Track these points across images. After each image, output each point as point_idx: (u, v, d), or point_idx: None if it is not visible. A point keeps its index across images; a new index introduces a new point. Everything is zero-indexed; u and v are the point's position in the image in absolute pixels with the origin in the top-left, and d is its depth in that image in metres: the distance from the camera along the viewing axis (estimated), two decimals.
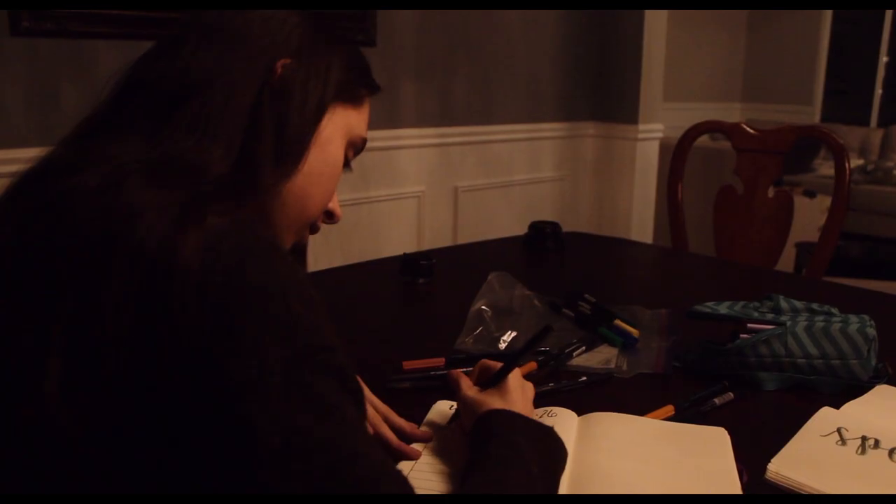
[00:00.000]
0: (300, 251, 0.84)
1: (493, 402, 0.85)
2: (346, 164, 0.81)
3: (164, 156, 0.61)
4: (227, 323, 0.53)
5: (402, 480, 0.58)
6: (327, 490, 0.52)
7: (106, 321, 0.53)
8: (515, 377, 0.91)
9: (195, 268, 0.53)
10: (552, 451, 0.80)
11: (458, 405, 0.90)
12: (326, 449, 0.53)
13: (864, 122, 6.24)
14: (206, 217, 0.57)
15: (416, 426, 0.94)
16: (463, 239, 3.15)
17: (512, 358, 0.92)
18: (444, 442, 0.92)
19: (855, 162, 4.83)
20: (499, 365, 0.92)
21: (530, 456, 0.74)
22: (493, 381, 0.90)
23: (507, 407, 0.83)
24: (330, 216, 0.82)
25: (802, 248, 3.66)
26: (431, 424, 0.96)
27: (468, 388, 0.90)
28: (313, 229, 0.81)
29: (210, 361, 0.52)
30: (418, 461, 0.88)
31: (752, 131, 2.11)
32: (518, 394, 0.88)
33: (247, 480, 0.52)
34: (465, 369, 0.99)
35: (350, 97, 0.78)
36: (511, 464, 0.71)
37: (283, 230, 0.75)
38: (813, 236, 3.34)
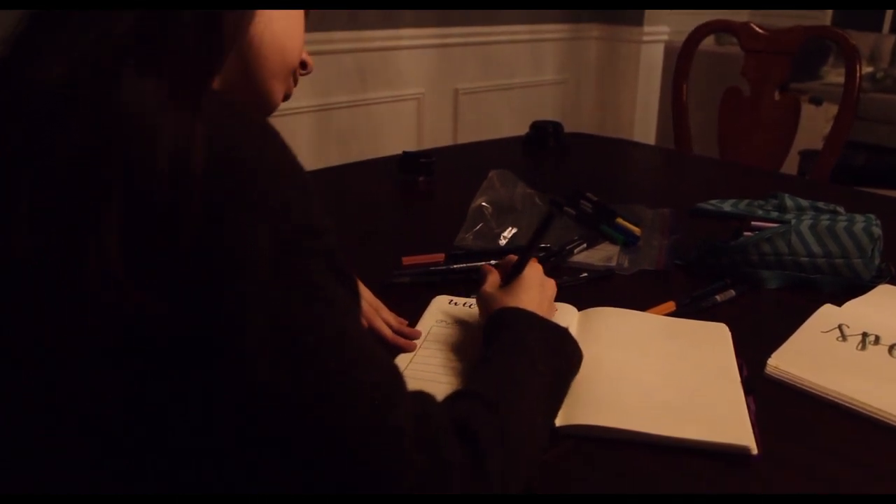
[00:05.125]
0: None
1: (508, 299, 0.83)
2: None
3: (132, 38, 0.56)
4: (215, 205, 0.50)
5: (390, 366, 0.56)
6: (311, 372, 0.51)
7: (108, 235, 0.50)
8: (535, 274, 0.89)
9: (196, 161, 0.51)
10: (564, 352, 0.78)
11: (476, 301, 0.89)
12: (313, 331, 0.51)
13: (877, 27, 6.07)
14: (200, 104, 0.54)
15: (406, 321, 0.94)
16: (463, 142, 3.10)
17: (524, 253, 0.90)
18: (443, 335, 0.91)
19: (864, 69, 4.74)
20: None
21: (539, 356, 0.72)
22: (508, 278, 0.88)
23: (521, 305, 0.81)
24: (304, 66, 0.78)
25: (806, 155, 3.61)
26: (430, 319, 0.95)
27: (490, 285, 0.88)
28: (294, 80, 0.77)
29: (199, 245, 0.50)
30: (417, 353, 0.87)
31: (761, 31, 2.05)
32: (535, 292, 0.85)
33: (234, 364, 0.50)
34: (494, 262, 0.97)
35: None
36: (518, 363, 0.70)
37: (271, 81, 0.71)
38: (817, 145, 3.29)
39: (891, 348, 0.89)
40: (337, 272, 0.55)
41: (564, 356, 0.77)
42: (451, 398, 0.63)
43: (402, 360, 0.86)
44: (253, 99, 0.71)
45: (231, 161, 0.52)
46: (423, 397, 0.57)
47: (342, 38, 2.65)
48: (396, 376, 0.56)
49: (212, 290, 0.50)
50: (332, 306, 0.53)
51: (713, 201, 1.19)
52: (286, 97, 0.76)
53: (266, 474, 0.53)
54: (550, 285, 0.90)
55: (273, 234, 0.52)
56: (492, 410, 0.60)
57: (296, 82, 0.77)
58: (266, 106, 0.73)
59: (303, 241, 0.53)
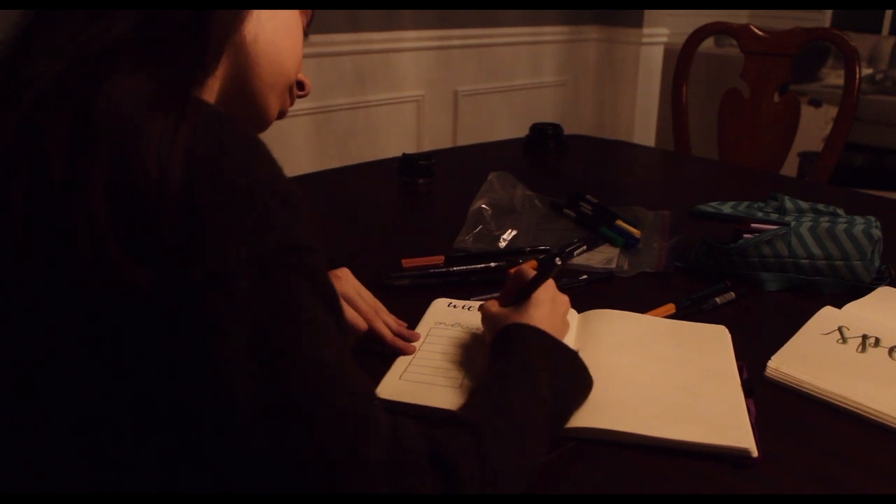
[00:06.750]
0: None
1: (517, 315, 0.80)
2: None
3: (127, 37, 0.57)
4: (196, 216, 0.50)
5: (364, 394, 0.54)
6: (281, 395, 0.50)
7: (89, 239, 0.50)
8: (546, 289, 0.84)
9: (175, 167, 0.51)
10: (571, 377, 0.75)
11: (482, 320, 0.86)
12: (287, 351, 0.51)
13: (876, 29, 6.07)
14: (186, 109, 0.53)
15: (405, 323, 0.93)
16: (462, 144, 3.10)
17: (529, 286, 0.84)
18: (443, 338, 0.91)
19: (863, 71, 4.73)
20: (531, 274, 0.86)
21: (544, 382, 0.69)
22: (516, 299, 0.84)
23: (531, 322, 0.78)
24: (301, 87, 0.78)
25: (805, 157, 3.62)
26: (430, 321, 0.95)
27: (491, 304, 0.85)
28: (291, 98, 0.77)
29: (179, 253, 0.50)
30: (416, 356, 0.87)
31: (761, 33, 2.05)
32: (545, 308, 0.81)
33: (209, 381, 0.50)
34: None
35: None
36: (519, 388, 0.67)
37: (267, 93, 0.70)
38: (816, 147, 3.30)
39: (891, 350, 0.89)
40: (320, 292, 0.55)
41: (571, 380, 0.75)
42: (435, 426, 0.59)
43: (401, 363, 0.86)
44: (247, 112, 0.70)
45: (214, 172, 0.52)
46: (401, 426, 0.55)
47: (342, 41, 2.65)
48: (370, 404, 0.54)
49: (193, 299, 0.50)
50: (310, 326, 0.53)
51: (713, 203, 1.19)
52: (281, 115, 0.76)
53: (233, 485, 0.52)
54: (563, 301, 0.86)
55: (253, 251, 0.51)
56: (477, 440, 0.57)
57: (292, 101, 0.77)
58: (260, 120, 0.72)
59: (284, 259, 0.53)
